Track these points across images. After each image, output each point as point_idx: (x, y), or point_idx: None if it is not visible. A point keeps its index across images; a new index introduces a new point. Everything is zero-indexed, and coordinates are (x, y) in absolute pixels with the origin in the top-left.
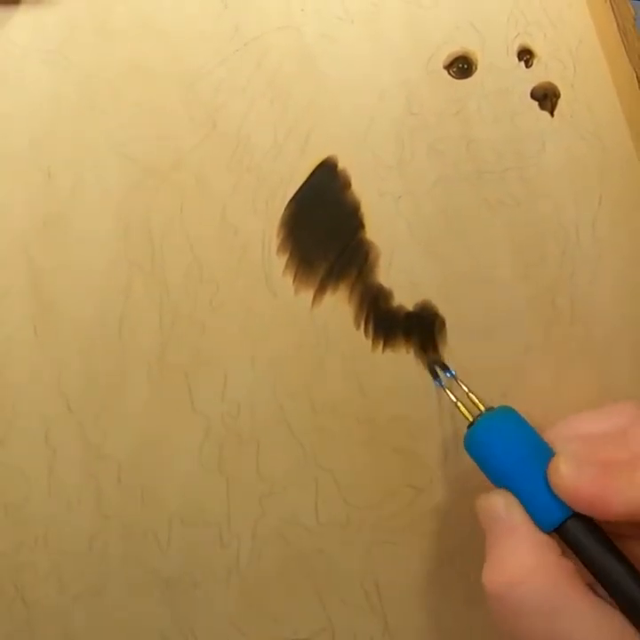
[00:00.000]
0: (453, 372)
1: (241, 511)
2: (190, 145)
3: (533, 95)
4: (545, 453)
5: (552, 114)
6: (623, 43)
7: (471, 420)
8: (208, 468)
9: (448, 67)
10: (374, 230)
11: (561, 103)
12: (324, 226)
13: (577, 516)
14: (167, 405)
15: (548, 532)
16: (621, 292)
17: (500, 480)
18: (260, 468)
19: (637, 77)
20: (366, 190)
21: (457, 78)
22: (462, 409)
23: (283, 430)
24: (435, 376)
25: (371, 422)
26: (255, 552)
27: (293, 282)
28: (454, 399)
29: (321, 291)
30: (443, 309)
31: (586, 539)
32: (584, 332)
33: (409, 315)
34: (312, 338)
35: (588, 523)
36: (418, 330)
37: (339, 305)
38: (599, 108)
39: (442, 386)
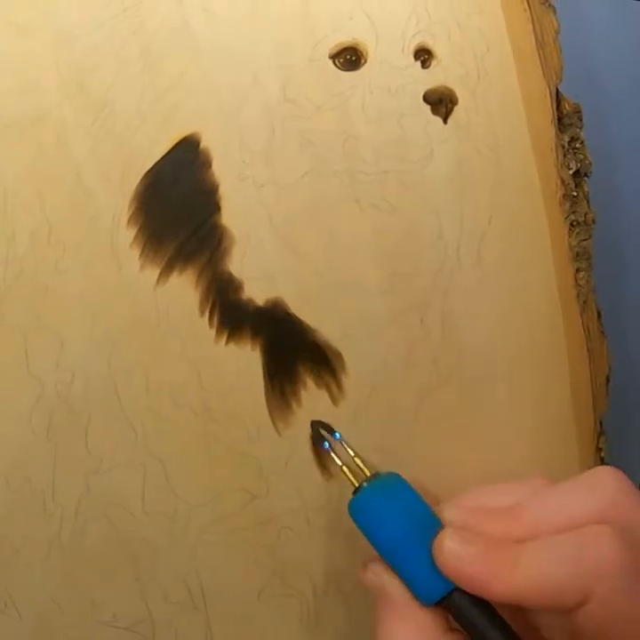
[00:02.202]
0: (339, 435)
1: (66, 483)
2: (53, 103)
3: (426, 98)
4: (432, 525)
5: (445, 120)
6: (539, 55)
7: (356, 485)
8: (37, 433)
9: (334, 56)
10: (231, 216)
11: (458, 111)
12: (177, 204)
13: (458, 589)
14: (2, 364)
15: (434, 605)
16: (500, 325)
17: (383, 550)
18: (88, 443)
19: (550, 94)
20: (227, 173)
21: (343, 70)
22: (348, 474)
23: (115, 407)
24: (319, 438)
25: (207, 416)
26: (77, 528)
27: (140, 257)
28: (340, 463)
29: (167, 270)
30: (295, 309)
31: (469, 612)
32: (454, 359)
33: (258, 310)
34: (153, 317)
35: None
36: (266, 327)
37: (184, 288)
38: (501, 121)
39: (327, 449)
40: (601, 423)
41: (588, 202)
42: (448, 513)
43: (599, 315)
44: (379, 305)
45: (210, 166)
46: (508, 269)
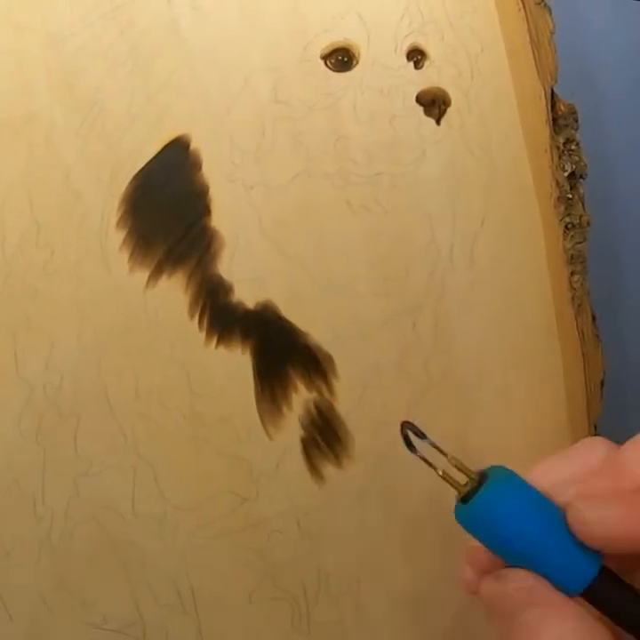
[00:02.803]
0: (430, 439)
1: (56, 486)
2: (43, 103)
3: (419, 99)
4: (553, 513)
5: (438, 122)
6: (534, 56)
7: (463, 492)
8: (26, 436)
9: (326, 57)
10: (221, 218)
11: (451, 112)
12: (167, 206)
13: (602, 572)
14: None
15: (579, 595)
16: (493, 328)
17: (514, 554)
18: (77, 445)
19: (545, 94)
20: (217, 175)
21: (334, 71)
22: (449, 480)
23: (104, 410)
24: (409, 444)
25: (196, 419)
26: (67, 530)
27: (129, 259)
28: (439, 471)
29: (156, 273)
30: (286, 312)
31: (616, 593)
32: (446, 362)
33: (248, 313)
34: (142, 320)
35: (615, 577)
36: (256, 330)
37: (174, 291)
38: (495, 122)
39: (421, 457)
40: (596, 427)
41: (583, 204)
42: (559, 494)
43: (594, 318)
44: (371, 308)
45: (200, 168)
46: (501, 272)
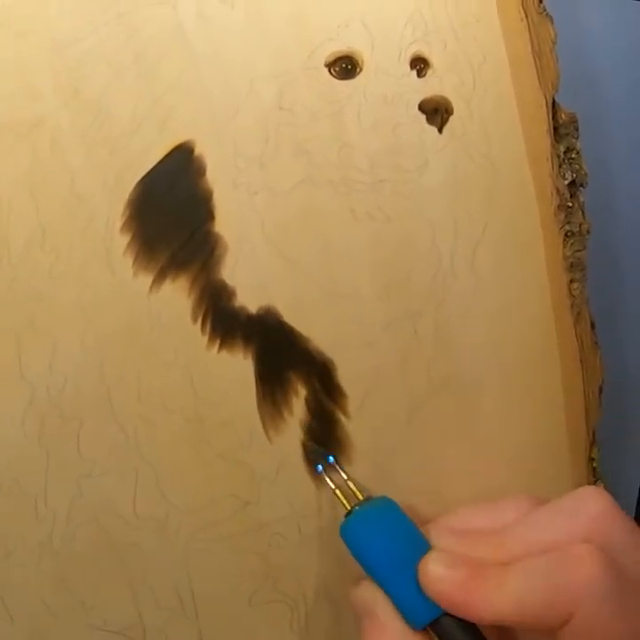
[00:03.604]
0: (332, 459)
1: (58, 487)
2: (49, 108)
3: (422, 107)
4: (421, 548)
5: (440, 130)
6: (536, 65)
7: (349, 508)
8: (29, 437)
9: (330, 65)
10: (224, 223)
11: (453, 120)
12: (171, 211)
13: (447, 614)
14: None
15: (421, 629)
16: (493, 334)
17: (373, 573)
18: (80, 447)
19: (547, 104)
20: (221, 180)
21: (338, 78)
22: (340, 497)
23: (106, 412)
24: (313, 461)
25: (199, 422)
26: (69, 532)
27: (133, 264)
28: (333, 486)
29: (160, 278)
30: (288, 317)
31: (457, 636)
32: (447, 369)
33: (251, 318)
34: (146, 324)
35: (462, 620)
36: (259, 335)
37: (177, 295)
38: (496, 130)
39: (320, 472)
40: (594, 434)
41: (583, 212)
42: (435, 536)
43: (593, 325)
44: (372, 313)
45: (204, 173)
46: (501, 279)
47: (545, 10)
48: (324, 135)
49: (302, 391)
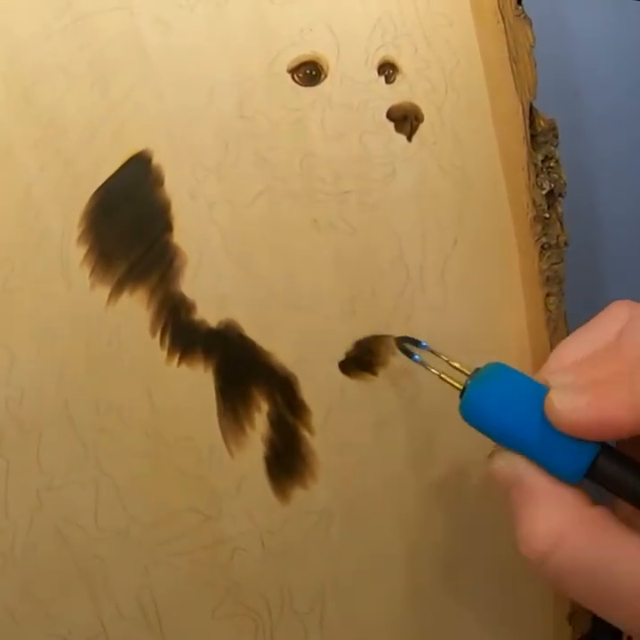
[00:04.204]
0: (425, 344)
1: (19, 499)
2: (2, 118)
3: (390, 115)
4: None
5: (409, 138)
6: (512, 70)
7: (461, 387)
8: None
9: (293, 71)
10: (183, 235)
11: (423, 128)
12: (128, 222)
13: (603, 453)
14: None
15: (579, 481)
16: (464, 351)
17: (508, 441)
18: (40, 459)
19: (523, 111)
20: (179, 191)
21: (302, 85)
22: (448, 379)
23: (65, 425)
24: (408, 353)
25: (158, 436)
26: (30, 543)
27: (90, 276)
28: (436, 372)
29: (118, 290)
30: (249, 331)
31: (619, 473)
32: (415, 386)
33: (211, 331)
34: (104, 337)
35: (618, 455)
36: (219, 349)
37: (135, 308)
38: (469, 139)
39: (419, 361)
40: None
41: (561, 223)
42: (553, 379)
43: None
44: (338, 328)
45: (162, 183)
46: (473, 293)
47: (523, 12)
48: (287, 144)
49: (265, 406)
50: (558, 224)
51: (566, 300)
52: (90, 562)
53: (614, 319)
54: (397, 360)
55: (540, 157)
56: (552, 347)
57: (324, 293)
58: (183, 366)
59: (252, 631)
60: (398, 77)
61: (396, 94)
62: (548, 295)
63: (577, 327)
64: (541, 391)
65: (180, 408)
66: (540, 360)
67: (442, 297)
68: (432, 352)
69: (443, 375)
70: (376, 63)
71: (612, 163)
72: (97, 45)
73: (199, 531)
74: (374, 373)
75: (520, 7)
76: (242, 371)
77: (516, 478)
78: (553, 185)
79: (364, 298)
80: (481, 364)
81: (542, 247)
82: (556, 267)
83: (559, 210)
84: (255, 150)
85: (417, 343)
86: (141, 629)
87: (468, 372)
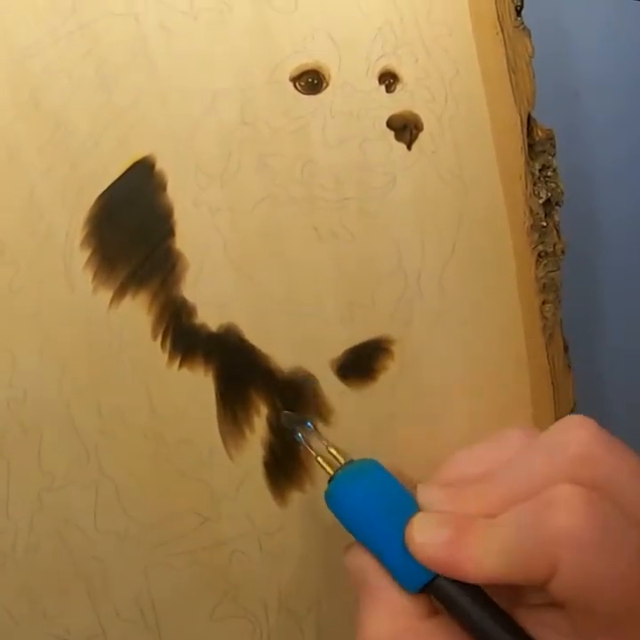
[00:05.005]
0: (311, 425)
1: (20, 499)
2: (8, 121)
3: (390, 124)
4: (409, 508)
5: (409, 147)
6: (511, 81)
7: (331, 474)
8: None
9: (295, 79)
10: (185, 241)
11: (423, 136)
12: (131, 227)
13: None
14: None
15: (417, 592)
16: (461, 357)
17: (362, 538)
18: (41, 461)
19: (522, 121)
20: (182, 197)
21: (304, 93)
22: (322, 463)
23: (67, 426)
24: (291, 430)
25: (158, 439)
26: (31, 544)
27: (93, 279)
28: (314, 453)
29: (120, 294)
30: (249, 335)
31: (453, 596)
32: (412, 391)
33: (211, 335)
34: (105, 340)
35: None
36: (219, 353)
37: (137, 312)
38: (468, 148)
39: (300, 440)
40: None
41: (558, 232)
42: (421, 494)
43: (566, 348)
44: (336, 334)
45: (165, 189)
46: (470, 301)
47: (522, 23)
48: (288, 152)
49: (264, 409)
50: (555, 232)
51: (563, 308)
52: (89, 563)
53: (507, 447)
54: (395, 365)
55: (537, 167)
56: (548, 355)
57: (323, 299)
58: (184, 370)
59: (249, 633)
60: (399, 87)
61: (397, 103)
62: (544, 303)
63: (574, 334)
64: (404, 498)
65: (181, 411)
66: (536, 369)
67: (439, 303)
68: (317, 433)
69: (318, 458)
70: (377, 72)
71: (611, 168)
72: (102, 51)
73: (198, 532)
74: (373, 379)
75: (519, 18)
76: (241, 374)
77: (364, 579)
78: (550, 194)
79: (363, 304)
80: (477, 371)
81: (539, 255)
82: (552, 274)
83: (556, 218)
84: (257, 157)
85: (304, 422)
86: (140, 630)
87: (342, 462)
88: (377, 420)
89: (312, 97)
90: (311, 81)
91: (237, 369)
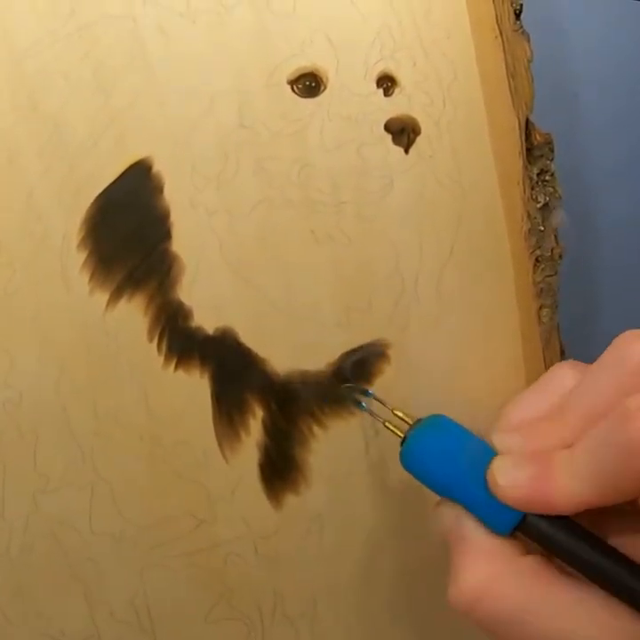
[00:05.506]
0: (371, 392)
1: (15, 501)
2: (7, 122)
3: (388, 127)
4: (485, 454)
5: (407, 151)
6: (509, 85)
7: (402, 435)
8: None
9: (293, 82)
10: (182, 243)
11: (421, 140)
12: (128, 229)
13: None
14: None
15: (509, 535)
16: (457, 362)
17: (446, 492)
18: (37, 462)
19: (520, 125)
20: (178, 199)
21: (301, 96)
22: (391, 427)
23: (63, 428)
24: (355, 401)
25: (154, 441)
26: (26, 545)
27: (89, 281)
28: (381, 419)
29: (116, 296)
30: (245, 338)
31: (549, 530)
32: (408, 396)
33: (207, 338)
34: (102, 342)
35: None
36: (216, 356)
37: (133, 314)
38: (466, 152)
39: (365, 409)
40: None
41: (555, 236)
42: (497, 439)
43: (563, 352)
44: (333, 338)
45: (162, 191)
46: (467, 305)
47: (521, 27)
48: (285, 155)
49: (259, 412)
50: (553, 236)
51: (561, 310)
52: (84, 564)
53: (559, 381)
54: (392, 369)
55: (535, 171)
56: (545, 359)
57: (320, 303)
58: (180, 372)
59: (244, 635)
60: (396, 90)
61: (395, 107)
62: (541, 307)
63: (571, 338)
64: (479, 446)
65: (177, 413)
66: (533, 373)
67: (436, 308)
68: (378, 400)
69: (386, 423)
70: (375, 76)
71: (610, 169)
72: (99, 53)
73: (194, 535)
74: (369, 382)
75: (518, 22)
76: (237, 377)
77: (454, 529)
78: (548, 198)
79: (360, 308)
80: (474, 375)
81: (536, 259)
82: (549, 279)
83: (554, 223)
84: (254, 160)
85: (365, 392)
86: (134, 632)
87: (411, 422)
88: (373, 423)
89: (310, 100)
90: (309, 84)
91: (233, 372)
